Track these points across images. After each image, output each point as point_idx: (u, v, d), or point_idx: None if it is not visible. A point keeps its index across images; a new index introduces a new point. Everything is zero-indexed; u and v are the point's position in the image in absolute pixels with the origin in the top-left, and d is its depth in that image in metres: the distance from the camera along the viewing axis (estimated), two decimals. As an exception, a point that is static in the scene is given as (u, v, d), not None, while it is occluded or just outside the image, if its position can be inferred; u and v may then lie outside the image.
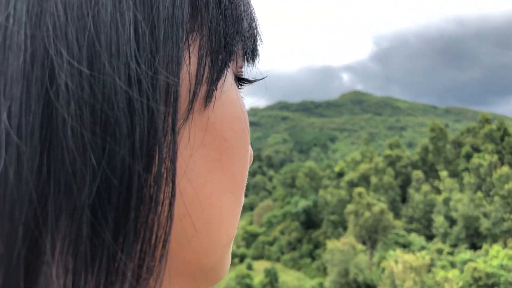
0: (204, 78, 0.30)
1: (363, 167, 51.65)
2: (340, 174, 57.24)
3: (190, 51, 0.29)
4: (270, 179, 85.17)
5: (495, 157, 45.13)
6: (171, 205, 0.26)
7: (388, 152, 55.51)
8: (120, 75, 0.23)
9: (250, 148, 0.38)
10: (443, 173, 47.55)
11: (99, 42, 0.23)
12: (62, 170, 0.22)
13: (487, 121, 55.09)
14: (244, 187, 0.36)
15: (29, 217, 0.21)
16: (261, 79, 0.39)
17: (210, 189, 0.31)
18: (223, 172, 0.32)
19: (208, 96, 0.30)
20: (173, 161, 0.26)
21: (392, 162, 53.74)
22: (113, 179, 0.23)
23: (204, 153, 0.31)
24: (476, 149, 51.19)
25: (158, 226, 0.25)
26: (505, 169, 42.61)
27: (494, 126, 52.74)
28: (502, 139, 51.14)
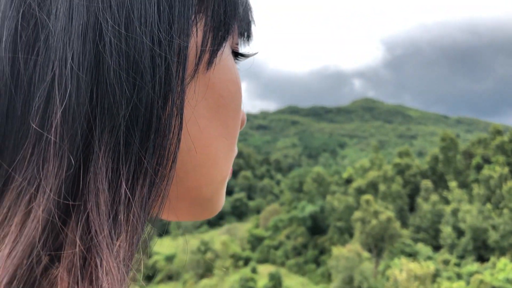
0: (207, 48, 0.41)
1: (372, 174, 51.40)
2: (348, 181, 56.99)
3: (197, 27, 0.40)
4: (278, 183, 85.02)
5: (505, 169, 44.67)
6: (179, 133, 0.37)
7: (397, 160, 55.20)
8: (146, 37, 0.35)
9: (243, 112, 0.49)
10: (453, 184, 47.16)
11: (133, 13, 0.34)
12: (106, 98, 0.33)
13: (498, 132, 54.56)
14: (236, 139, 0.47)
15: (84, 126, 0.32)
16: (253, 54, 0.49)
17: (209, 133, 0.42)
18: (220, 121, 0.43)
19: (210, 62, 0.41)
20: (182, 104, 0.37)
21: (401, 170, 53.42)
22: (140, 107, 0.34)
23: (205, 104, 0.41)
24: (487, 161, 50.72)
25: (170, 146, 0.36)
26: (515, 181, 42.18)
27: (505, 138, 52.21)
28: (513, 152, 50.65)
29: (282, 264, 50.44)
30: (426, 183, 50.21)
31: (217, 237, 53.66)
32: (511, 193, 40.84)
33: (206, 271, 42.76)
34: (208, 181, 0.44)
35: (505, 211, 39.70)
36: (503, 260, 33.37)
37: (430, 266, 30.49)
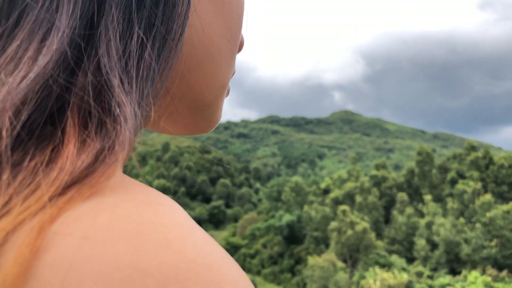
0: None
1: (349, 185, 51.94)
2: (326, 191, 57.45)
3: None
4: (257, 191, 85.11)
5: (479, 185, 45.71)
6: (186, 12, 0.36)
7: (374, 172, 55.93)
8: None
9: (243, 36, 0.49)
10: (428, 197, 48.00)
11: None
12: None
13: (473, 148, 55.83)
14: (237, 46, 0.46)
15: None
16: None
17: (213, 30, 0.42)
18: (224, 20, 0.42)
19: None
20: (186, 9, 0.37)
21: (377, 182, 54.13)
22: None
23: (211, 1, 0.41)
24: (461, 176, 51.81)
25: (178, 19, 0.36)
26: (487, 196, 43.17)
27: (479, 154, 53.45)
28: (487, 167, 51.83)
29: (258, 273, 50.39)
30: (402, 196, 50.97)
31: (193, 244, 53.21)
32: (483, 208, 41.77)
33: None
34: (209, 82, 0.43)
35: (478, 225, 40.59)
36: (474, 273, 34.07)
37: (404, 276, 30.92)
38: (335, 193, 52.58)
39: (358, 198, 49.87)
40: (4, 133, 0.25)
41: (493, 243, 39.10)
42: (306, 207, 52.26)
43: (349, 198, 50.99)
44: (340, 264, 39.20)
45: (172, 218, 0.24)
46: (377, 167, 57.60)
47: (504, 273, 35.94)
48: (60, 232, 0.22)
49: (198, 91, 0.43)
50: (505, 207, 41.66)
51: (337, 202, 50.61)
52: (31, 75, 0.27)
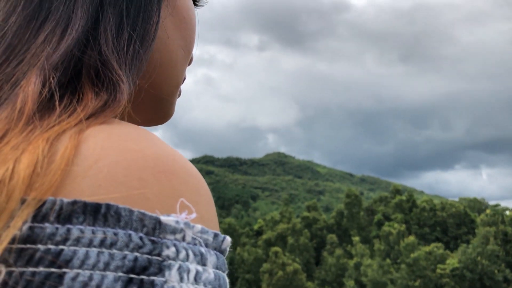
0: None
1: (281, 227, 52.30)
2: (259, 233, 57.40)
3: None
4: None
5: (403, 227, 47.71)
6: (157, 23, 0.50)
7: (306, 214, 56.89)
8: None
9: (193, 54, 0.63)
10: (356, 239, 49.25)
11: None
12: None
13: (398, 192, 58.60)
14: (189, 57, 0.61)
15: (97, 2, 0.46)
16: (204, 4, 0.66)
17: (173, 41, 0.56)
18: (181, 34, 0.57)
19: None
20: (159, 11, 0.51)
21: (309, 224, 55.01)
22: None
23: (172, 19, 0.56)
24: (387, 218, 53.92)
25: (152, 28, 0.50)
26: (411, 238, 45.13)
27: (404, 197, 56.14)
28: (410, 210, 54.45)
29: (188, 318, 48.54)
30: (332, 237, 52.01)
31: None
32: (407, 249, 43.50)
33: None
34: (167, 80, 0.57)
35: (403, 266, 42.08)
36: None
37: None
38: (268, 234, 52.69)
39: (290, 240, 50.24)
40: (51, 78, 0.39)
41: (417, 283, 40.62)
42: (238, 249, 51.78)
43: (281, 239, 51.24)
44: (271, 306, 38.78)
45: (154, 135, 0.39)
46: (309, 208, 58.70)
47: (427, 312, 37.13)
48: (91, 135, 0.35)
49: (159, 86, 0.56)
50: (427, 248, 43.71)
51: (269, 243, 50.66)
52: (60, 50, 0.41)
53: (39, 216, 0.30)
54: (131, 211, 0.32)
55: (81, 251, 0.30)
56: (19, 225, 0.29)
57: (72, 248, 0.30)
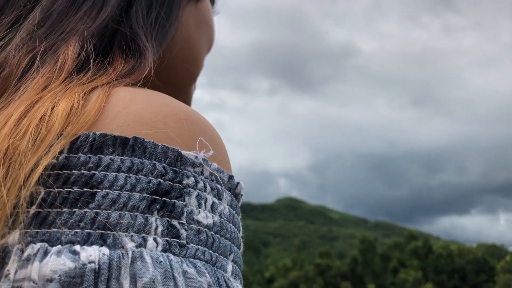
0: None
1: (294, 274, 50.97)
2: (270, 280, 55.94)
3: None
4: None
5: (419, 273, 46.23)
6: (176, 18, 0.57)
7: (319, 260, 55.51)
8: None
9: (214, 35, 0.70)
10: (371, 286, 47.78)
11: None
12: None
13: (413, 237, 57.19)
14: (205, 56, 0.67)
15: None
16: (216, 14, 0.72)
17: (195, 38, 0.63)
18: (201, 34, 0.64)
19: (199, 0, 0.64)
20: (178, 11, 0.57)
21: (322, 271, 53.54)
22: None
23: (194, 19, 0.62)
24: (403, 264, 52.36)
25: (172, 21, 0.56)
26: (429, 286, 43.55)
27: (419, 243, 54.70)
28: (426, 256, 52.88)
29: None
30: (346, 285, 50.43)
31: None
32: (425, 297, 41.89)
33: None
34: (188, 67, 0.63)
35: (420, 315, 40.37)
36: None
37: None
38: (279, 282, 51.29)
39: (303, 287, 48.76)
40: (88, 44, 0.46)
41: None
42: (249, 297, 50.34)
43: (293, 287, 49.74)
44: None
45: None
46: (322, 255, 57.33)
47: None
48: (120, 89, 0.41)
49: (181, 71, 0.62)
50: (445, 296, 42.02)
51: (281, 291, 49.14)
52: (97, 22, 0.48)
53: (74, 148, 0.35)
54: (155, 145, 0.37)
55: (111, 175, 0.35)
56: (56, 152, 0.35)
57: (103, 172, 0.35)
